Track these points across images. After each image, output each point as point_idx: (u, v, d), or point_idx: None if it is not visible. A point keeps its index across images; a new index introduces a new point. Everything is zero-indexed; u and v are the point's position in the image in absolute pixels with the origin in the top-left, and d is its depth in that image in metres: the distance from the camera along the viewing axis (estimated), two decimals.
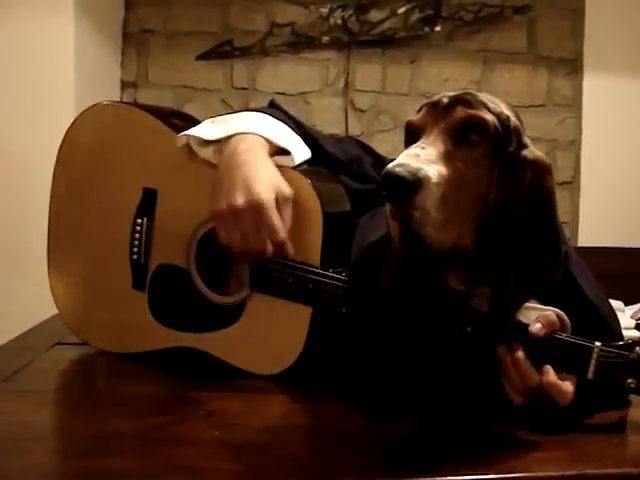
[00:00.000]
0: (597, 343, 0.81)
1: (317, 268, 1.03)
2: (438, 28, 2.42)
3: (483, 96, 0.83)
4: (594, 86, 2.49)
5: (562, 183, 2.51)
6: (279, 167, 1.04)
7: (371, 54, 2.44)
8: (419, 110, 0.84)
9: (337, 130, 2.32)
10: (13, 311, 1.80)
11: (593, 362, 0.81)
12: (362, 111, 2.45)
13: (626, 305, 1.88)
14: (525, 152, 0.81)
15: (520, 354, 0.81)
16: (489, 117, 0.80)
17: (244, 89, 2.43)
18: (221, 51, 2.42)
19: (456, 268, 0.83)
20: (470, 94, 0.82)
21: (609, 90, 2.49)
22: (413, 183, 0.73)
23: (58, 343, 1.23)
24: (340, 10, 2.40)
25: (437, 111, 0.81)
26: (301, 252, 1.04)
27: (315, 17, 2.41)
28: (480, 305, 0.84)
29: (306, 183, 1.04)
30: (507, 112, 0.83)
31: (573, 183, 2.52)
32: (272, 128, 1.07)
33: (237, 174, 0.97)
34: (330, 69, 2.44)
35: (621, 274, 2.27)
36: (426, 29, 2.42)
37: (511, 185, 0.80)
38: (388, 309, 0.87)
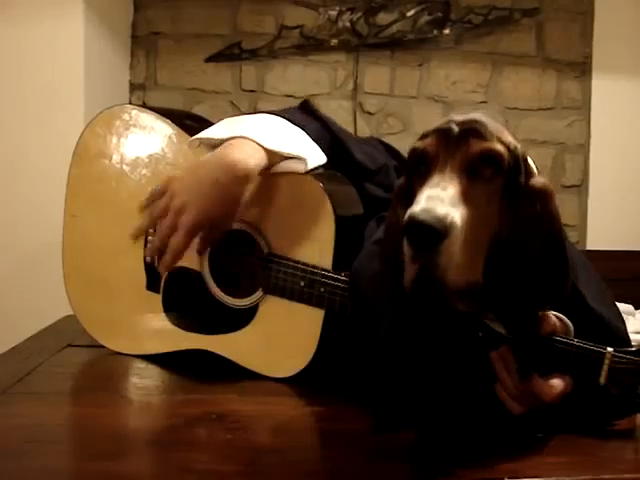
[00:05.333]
0: (609, 349, 0.82)
1: (329, 272, 1.03)
2: (447, 31, 2.42)
3: (490, 123, 0.80)
4: (603, 89, 2.48)
5: (570, 186, 2.51)
6: (290, 173, 1.05)
7: (380, 57, 2.43)
8: (424, 136, 0.81)
9: None
10: (28, 312, 1.80)
11: (605, 367, 0.81)
12: (371, 114, 2.45)
13: (636, 309, 1.87)
14: (533, 181, 0.80)
15: (511, 357, 0.82)
16: (503, 150, 0.78)
17: (253, 91, 2.43)
18: (230, 53, 2.41)
19: (463, 299, 0.81)
20: (479, 123, 0.79)
21: (618, 93, 2.48)
22: (441, 232, 0.70)
23: (69, 345, 1.24)
24: (349, 13, 2.40)
25: (448, 141, 0.78)
26: (313, 256, 1.04)
27: (324, 20, 2.41)
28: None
29: (319, 187, 1.04)
30: (511, 139, 0.80)
31: (582, 186, 2.51)
32: (279, 133, 1.07)
33: (197, 185, 1.00)
34: (339, 72, 2.43)
35: (630, 277, 2.27)
36: (435, 32, 2.41)
37: (522, 216, 0.78)
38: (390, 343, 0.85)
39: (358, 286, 1.00)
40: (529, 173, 0.80)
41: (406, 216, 0.71)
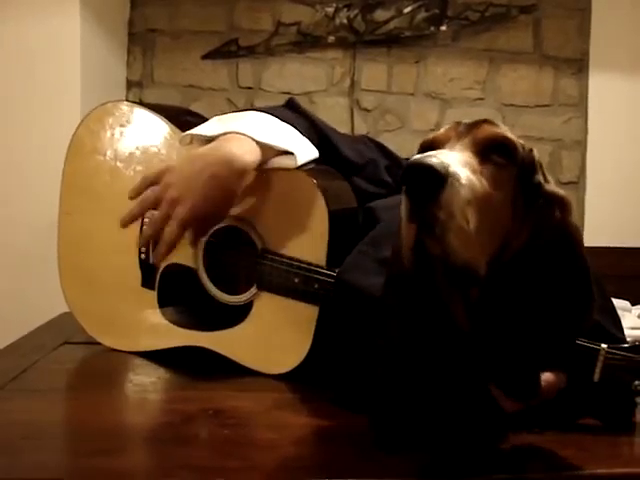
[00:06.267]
0: (603, 345, 0.82)
1: (323, 268, 1.03)
2: (444, 27, 2.42)
3: (502, 125, 0.76)
4: (600, 86, 2.48)
5: (567, 183, 2.51)
6: (281, 169, 1.05)
7: (377, 54, 2.44)
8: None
9: (343, 130, 2.31)
10: (25, 309, 1.80)
11: (599, 364, 0.82)
12: (368, 110, 2.45)
13: (632, 305, 1.87)
14: (552, 187, 0.74)
15: None
16: (515, 140, 0.73)
17: (249, 88, 2.43)
18: (227, 50, 2.42)
19: (464, 301, 0.73)
20: (491, 120, 0.75)
21: (615, 90, 2.48)
22: (443, 176, 0.63)
23: (65, 342, 1.24)
24: (346, 9, 2.40)
25: (461, 127, 0.74)
26: (308, 252, 1.04)
27: (321, 16, 2.41)
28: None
29: (312, 183, 1.04)
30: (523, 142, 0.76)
31: (579, 183, 2.52)
32: (271, 129, 1.07)
33: (193, 178, 0.99)
34: (336, 69, 2.44)
35: (626, 274, 2.27)
36: (432, 28, 2.41)
37: (539, 222, 0.72)
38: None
39: (350, 299, 0.96)
40: (546, 179, 0.75)
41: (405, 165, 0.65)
